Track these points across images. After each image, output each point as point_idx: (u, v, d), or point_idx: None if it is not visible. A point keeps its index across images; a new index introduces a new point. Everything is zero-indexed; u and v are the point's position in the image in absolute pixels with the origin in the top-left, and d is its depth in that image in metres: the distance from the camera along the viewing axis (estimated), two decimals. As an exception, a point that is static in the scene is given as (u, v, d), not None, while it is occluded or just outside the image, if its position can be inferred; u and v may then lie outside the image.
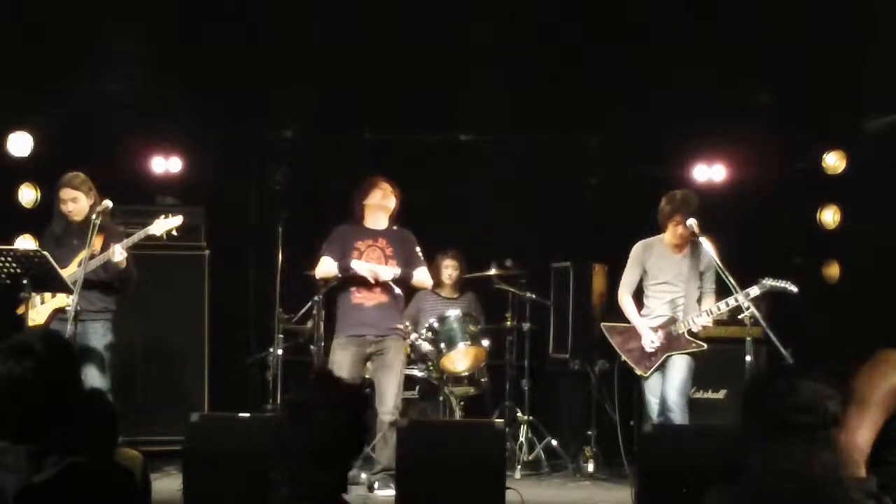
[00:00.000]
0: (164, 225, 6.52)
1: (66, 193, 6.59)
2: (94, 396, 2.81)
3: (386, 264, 6.85)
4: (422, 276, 7.02)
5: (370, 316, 6.79)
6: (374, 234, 6.92)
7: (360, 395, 2.73)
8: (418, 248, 7.01)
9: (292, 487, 2.52)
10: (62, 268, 6.34)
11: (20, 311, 6.51)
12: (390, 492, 6.54)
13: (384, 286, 6.81)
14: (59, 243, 6.55)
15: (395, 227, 7.02)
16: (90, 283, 6.42)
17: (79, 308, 6.25)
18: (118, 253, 6.35)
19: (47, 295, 6.55)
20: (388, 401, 6.71)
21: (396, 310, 6.93)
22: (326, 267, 6.87)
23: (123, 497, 2.60)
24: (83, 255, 6.40)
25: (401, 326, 6.94)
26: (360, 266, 6.76)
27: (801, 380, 2.59)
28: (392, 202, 6.96)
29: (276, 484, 2.54)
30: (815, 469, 2.48)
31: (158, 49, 7.94)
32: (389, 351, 6.79)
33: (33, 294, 6.37)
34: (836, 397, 2.58)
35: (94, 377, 6.43)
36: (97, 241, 6.44)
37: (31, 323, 6.44)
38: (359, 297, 6.82)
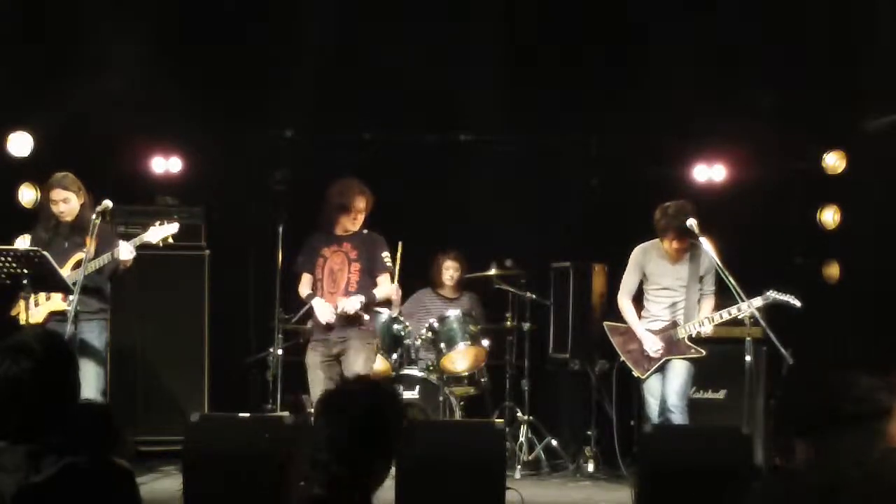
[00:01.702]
0: (160, 232, 6.49)
1: (57, 194, 6.53)
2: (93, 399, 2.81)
3: (349, 267, 6.80)
4: (383, 290, 6.91)
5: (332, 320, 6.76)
6: (340, 240, 6.87)
7: (397, 396, 2.76)
8: (385, 254, 6.92)
9: (327, 487, 2.51)
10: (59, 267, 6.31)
11: (14, 311, 6.51)
12: None
13: (346, 293, 6.75)
14: (49, 246, 6.40)
15: (364, 231, 6.93)
16: (85, 286, 6.35)
17: (79, 308, 6.24)
18: (126, 251, 6.33)
19: (41, 297, 6.49)
20: None
21: (361, 310, 6.80)
22: (302, 291, 6.94)
23: (122, 497, 2.60)
24: (79, 256, 6.40)
25: (363, 325, 6.80)
26: (318, 309, 6.73)
27: (856, 373, 2.68)
28: (358, 212, 6.83)
29: (306, 480, 2.53)
30: (876, 457, 2.57)
31: (158, 49, 7.94)
32: (352, 346, 6.73)
33: (30, 295, 6.34)
34: (888, 389, 2.66)
35: (90, 376, 6.39)
36: (90, 244, 6.38)
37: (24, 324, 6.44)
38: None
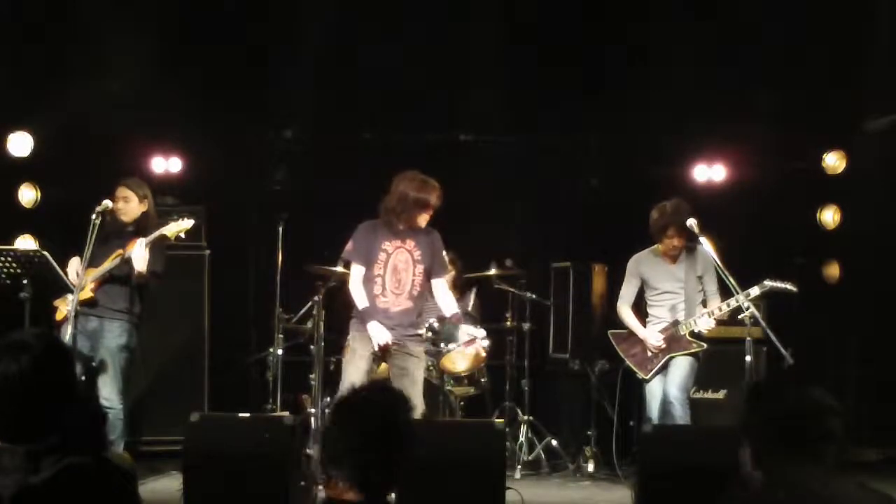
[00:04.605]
0: (176, 227, 6.55)
1: (120, 192, 6.65)
2: (87, 396, 2.81)
3: (413, 269, 6.41)
4: (450, 300, 6.59)
5: (395, 321, 6.40)
6: (403, 236, 6.42)
7: (408, 400, 2.83)
8: (444, 253, 6.62)
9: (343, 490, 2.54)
10: (96, 266, 6.38)
11: (56, 302, 6.61)
12: None
13: (410, 292, 6.42)
14: (103, 242, 6.45)
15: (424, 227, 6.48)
16: (113, 280, 6.49)
17: (104, 303, 6.45)
18: (137, 252, 6.40)
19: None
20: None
21: (418, 314, 6.55)
22: (356, 294, 6.40)
23: (122, 498, 2.59)
24: (119, 252, 6.51)
25: (421, 332, 6.52)
26: (375, 332, 6.28)
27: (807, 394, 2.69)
28: (434, 210, 6.37)
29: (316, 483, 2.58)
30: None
31: (158, 49, 7.94)
32: (412, 357, 6.44)
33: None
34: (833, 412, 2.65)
35: (106, 376, 6.48)
36: (131, 243, 6.47)
37: (58, 316, 6.56)
38: (384, 301, 6.41)
